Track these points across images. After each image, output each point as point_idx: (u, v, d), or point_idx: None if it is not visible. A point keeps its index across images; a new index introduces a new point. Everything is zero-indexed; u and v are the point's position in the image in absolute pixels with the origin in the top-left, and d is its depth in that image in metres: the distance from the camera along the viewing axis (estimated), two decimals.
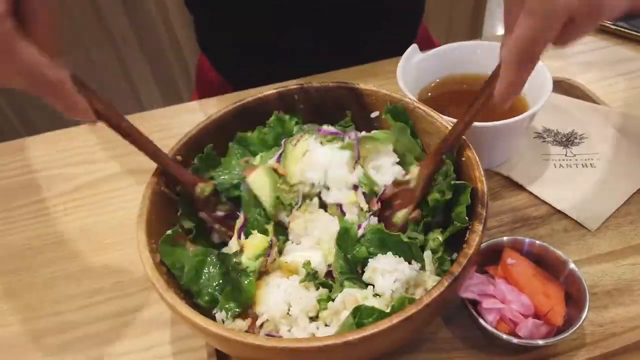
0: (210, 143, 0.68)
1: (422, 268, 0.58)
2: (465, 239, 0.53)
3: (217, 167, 0.67)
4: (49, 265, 0.76)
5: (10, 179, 0.89)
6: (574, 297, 0.59)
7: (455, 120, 0.60)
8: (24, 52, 0.42)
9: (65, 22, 1.92)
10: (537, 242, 0.62)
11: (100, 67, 1.94)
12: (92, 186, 0.86)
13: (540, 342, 0.56)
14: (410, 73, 0.78)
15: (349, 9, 1.01)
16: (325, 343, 0.46)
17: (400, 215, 0.61)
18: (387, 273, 0.56)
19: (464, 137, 0.60)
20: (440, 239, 0.59)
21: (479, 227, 0.53)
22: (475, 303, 0.59)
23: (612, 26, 1.01)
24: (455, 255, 0.55)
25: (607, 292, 0.64)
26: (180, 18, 1.90)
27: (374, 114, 0.73)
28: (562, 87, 0.88)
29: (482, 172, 0.58)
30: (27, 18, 0.43)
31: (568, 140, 0.81)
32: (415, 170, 0.62)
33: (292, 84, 0.72)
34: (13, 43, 0.42)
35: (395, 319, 0.47)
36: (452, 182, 0.59)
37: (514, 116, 0.69)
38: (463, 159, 0.60)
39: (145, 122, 0.95)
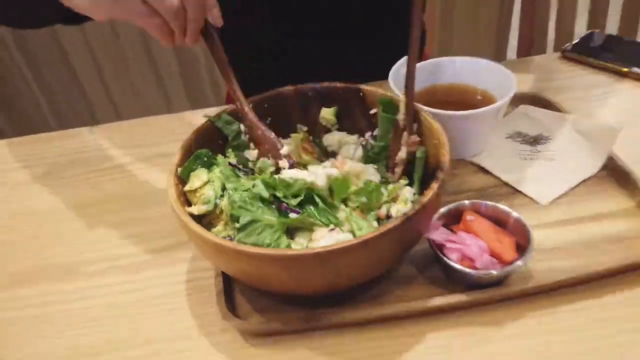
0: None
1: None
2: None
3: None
4: (93, 217, 0.93)
5: (69, 156, 1.08)
6: (522, 246, 0.71)
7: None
8: None
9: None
10: (490, 202, 0.76)
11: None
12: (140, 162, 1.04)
13: (494, 272, 0.68)
14: (400, 80, 0.94)
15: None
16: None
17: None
18: None
19: (439, 123, 0.76)
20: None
21: (435, 185, 0.66)
22: (440, 248, 0.72)
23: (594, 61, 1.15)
24: None
25: (549, 249, 0.76)
26: None
27: (372, 111, 0.88)
28: (535, 99, 1.03)
29: (447, 150, 0.71)
30: None
31: (535, 141, 0.95)
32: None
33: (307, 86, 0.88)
34: None
35: (353, 242, 0.60)
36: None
37: None
38: (435, 141, 0.75)
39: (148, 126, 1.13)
